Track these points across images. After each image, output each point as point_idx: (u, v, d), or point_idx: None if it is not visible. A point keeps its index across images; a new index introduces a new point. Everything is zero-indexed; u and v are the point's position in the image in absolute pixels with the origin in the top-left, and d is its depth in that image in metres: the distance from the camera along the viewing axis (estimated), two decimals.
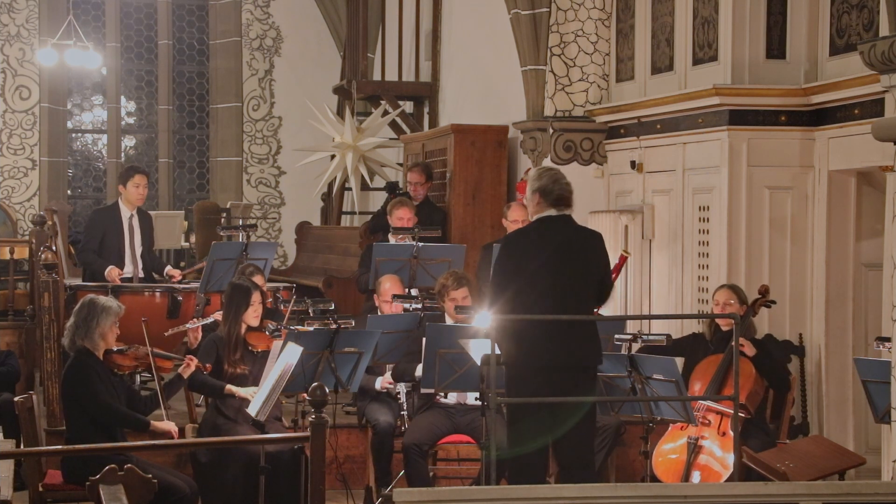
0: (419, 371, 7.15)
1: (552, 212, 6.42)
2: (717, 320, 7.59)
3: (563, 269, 6.32)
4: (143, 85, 16.96)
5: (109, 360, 6.75)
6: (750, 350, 7.38)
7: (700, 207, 8.77)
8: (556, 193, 6.40)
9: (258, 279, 7.87)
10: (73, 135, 16.87)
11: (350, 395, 7.93)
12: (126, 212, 9.18)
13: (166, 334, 7.08)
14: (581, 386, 6.27)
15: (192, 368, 6.98)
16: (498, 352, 6.08)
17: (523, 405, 6.26)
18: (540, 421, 6.25)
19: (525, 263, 6.34)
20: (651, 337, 7.42)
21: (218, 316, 7.72)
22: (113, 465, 4.72)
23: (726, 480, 6.78)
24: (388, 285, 8.14)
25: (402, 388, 7.55)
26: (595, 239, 6.53)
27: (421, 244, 8.64)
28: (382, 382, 7.64)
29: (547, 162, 10.13)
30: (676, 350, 7.46)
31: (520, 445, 6.29)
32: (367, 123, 13.14)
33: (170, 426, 6.77)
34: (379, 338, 7.12)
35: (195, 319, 7.52)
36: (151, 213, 11.01)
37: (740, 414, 7.08)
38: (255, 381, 7.03)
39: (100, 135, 16.95)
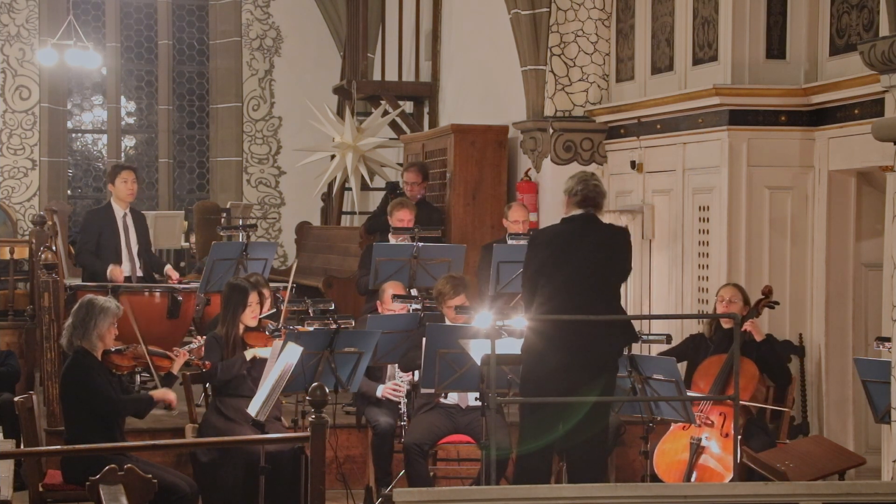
0: None
1: (577, 211, 6.50)
2: (722, 319, 7.59)
3: (586, 267, 6.38)
4: (143, 85, 16.96)
5: (108, 361, 6.75)
6: (759, 335, 7.40)
7: (700, 207, 8.77)
8: (581, 195, 6.53)
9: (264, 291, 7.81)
10: (73, 135, 16.87)
11: (350, 395, 7.93)
12: (119, 211, 9.16)
13: (180, 349, 7.05)
14: (599, 379, 6.31)
15: (182, 363, 6.97)
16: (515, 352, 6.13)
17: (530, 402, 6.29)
18: (554, 413, 6.26)
19: (563, 264, 6.40)
20: (651, 337, 7.42)
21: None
22: (113, 465, 4.72)
23: (728, 481, 6.78)
24: (391, 292, 8.11)
25: (403, 398, 7.53)
26: (621, 235, 6.64)
27: (421, 244, 8.63)
28: (384, 391, 7.61)
29: (547, 162, 10.15)
30: (677, 356, 7.44)
31: (533, 440, 6.28)
32: (367, 123, 13.14)
33: (168, 395, 6.74)
34: (379, 338, 7.12)
35: (199, 338, 7.49)
36: (151, 213, 11.06)
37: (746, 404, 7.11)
38: (255, 382, 7.03)
39: (100, 135, 16.95)
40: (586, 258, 6.41)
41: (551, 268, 6.41)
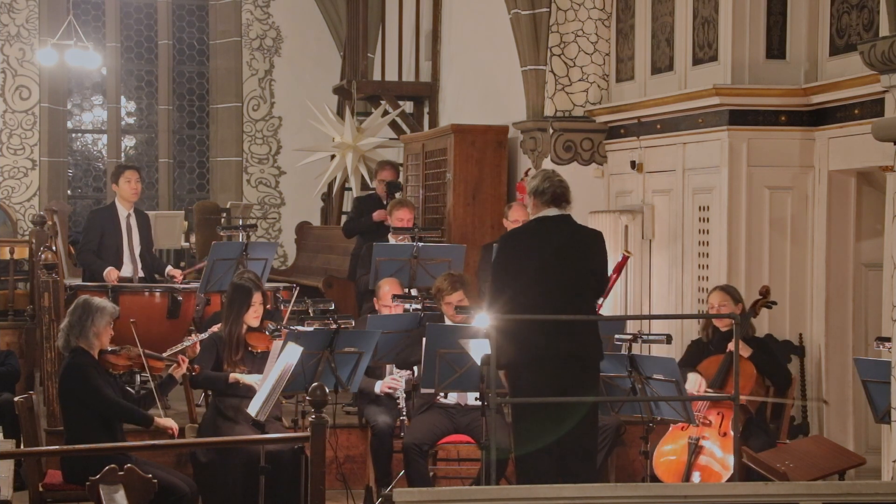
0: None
1: (551, 211, 6.42)
2: (714, 320, 7.58)
3: (561, 269, 6.31)
4: (143, 85, 16.97)
5: (104, 361, 6.75)
6: (745, 350, 7.37)
7: (700, 207, 8.77)
8: (550, 192, 6.41)
9: None
10: (73, 135, 16.87)
11: (350, 395, 7.93)
12: (123, 211, 9.14)
13: (165, 355, 7.08)
14: (584, 383, 6.26)
15: (184, 369, 7.00)
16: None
17: (527, 403, 6.26)
18: (545, 417, 6.24)
19: (523, 263, 6.33)
20: (651, 337, 7.41)
21: (216, 329, 7.70)
22: (113, 465, 4.73)
23: (727, 481, 6.78)
24: (387, 289, 8.12)
25: (401, 392, 7.55)
26: (594, 238, 6.53)
27: (421, 244, 8.64)
28: (382, 387, 7.63)
29: (547, 162, 10.13)
30: (683, 367, 7.41)
31: (527, 443, 6.27)
32: (367, 123, 13.15)
33: (171, 423, 6.78)
34: (379, 338, 7.12)
35: (193, 335, 7.52)
36: (151, 213, 11.04)
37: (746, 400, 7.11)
38: (243, 392, 7.05)
39: (100, 135, 16.96)
40: (566, 262, 6.34)
41: (523, 268, 6.32)
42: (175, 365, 6.99)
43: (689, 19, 8.92)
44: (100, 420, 6.58)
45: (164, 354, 7.04)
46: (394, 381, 7.62)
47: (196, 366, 7.13)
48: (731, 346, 7.20)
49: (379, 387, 7.63)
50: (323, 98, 14.43)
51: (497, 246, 6.63)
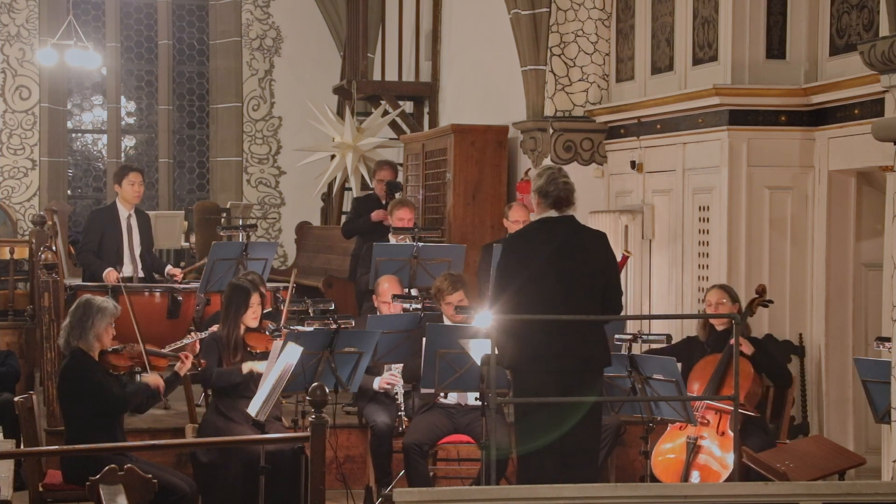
0: None
1: (553, 213, 6.40)
2: (711, 320, 7.58)
3: (563, 271, 6.29)
4: (143, 85, 16.97)
5: (105, 361, 6.72)
6: (748, 348, 7.38)
7: (700, 207, 8.77)
8: (554, 195, 6.37)
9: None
10: (73, 135, 16.88)
11: (350, 395, 7.93)
12: (124, 211, 9.14)
13: (165, 350, 7.07)
14: (586, 384, 6.25)
15: (189, 365, 6.97)
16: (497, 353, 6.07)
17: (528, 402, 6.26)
18: (548, 416, 6.23)
19: (525, 265, 6.32)
20: (651, 337, 7.41)
21: (215, 329, 7.69)
22: (113, 465, 4.73)
23: (726, 480, 6.78)
24: (387, 286, 8.13)
25: (399, 388, 7.55)
26: (597, 239, 6.46)
27: (421, 244, 8.64)
28: (381, 382, 7.64)
29: (547, 162, 10.13)
30: (673, 355, 7.41)
31: (529, 442, 6.27)
32: (367, 123, 13.15)
33: (158, 380, 6.74)
34: (379, 338, 7.12)
35: (193, 334, 7.49)
36: (151, 213, 11.04)
37: (746, 412, 7.11)
38: (255, 382, 7.03)
39: (100, 135, 16.96)
40: (567, 262, 6.30)
41: (526, 270, 6.29)
42: (179, 362, 6.96)
43: (689, 19, 8.92)
44: (101, 419, 6.57)
45: (166, 349, 7.02)
46: (392, 376, 7.63)
47: (203, 360, 7.11)
48: (746, 347, 7.22)
49: (377, 383, 7.63)
50: (323, 98, 14.43)
51: (500, 248, 6.60)
